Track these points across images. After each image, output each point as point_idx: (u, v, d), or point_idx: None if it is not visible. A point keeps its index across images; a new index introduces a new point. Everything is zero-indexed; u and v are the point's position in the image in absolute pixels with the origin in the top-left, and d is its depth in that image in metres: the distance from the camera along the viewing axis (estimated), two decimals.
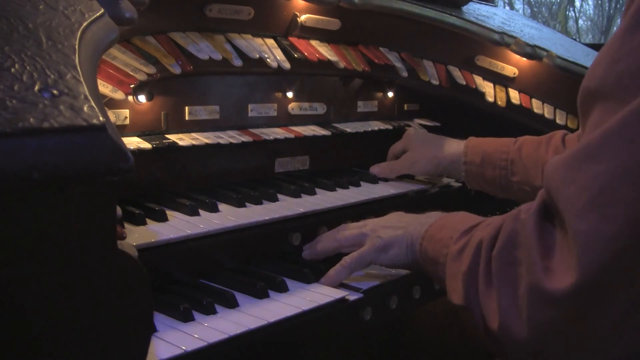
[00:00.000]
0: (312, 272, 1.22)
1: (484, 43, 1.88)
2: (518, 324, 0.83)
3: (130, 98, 1.26)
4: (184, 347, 0.92)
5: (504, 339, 0.86)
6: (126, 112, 1.29)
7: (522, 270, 0.82)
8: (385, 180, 1.66)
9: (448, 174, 1.65)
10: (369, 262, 1.23)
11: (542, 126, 1.88)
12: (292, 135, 1.55)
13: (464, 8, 1.98)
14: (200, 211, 1.24)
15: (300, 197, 1.42)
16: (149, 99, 1.30)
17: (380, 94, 1.90)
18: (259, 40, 1.47)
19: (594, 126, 0.79)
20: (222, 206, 1.29)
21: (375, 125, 1.82)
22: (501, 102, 1.89)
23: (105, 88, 1.15)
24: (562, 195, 0.79)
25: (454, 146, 1.60)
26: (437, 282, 1.13)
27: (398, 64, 1.77)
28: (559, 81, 1.90)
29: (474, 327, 0.94)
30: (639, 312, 0.74)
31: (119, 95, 1.17)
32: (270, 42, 1.50)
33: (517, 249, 0.85)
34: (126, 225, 1.11)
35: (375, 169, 1.65)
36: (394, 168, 1.65)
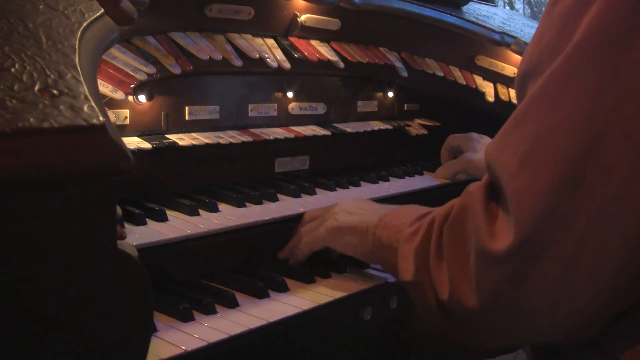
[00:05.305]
0: (312, 272, 1.22)
1: (484, 43, 1.88)
2: (467, 291, 0.84)
3: (130, 98, 1.26)
4: (184, 347, 0.92)
5: (454, 308, 0.87)
6: (126, 112, 1.29)
7: (472, 240, 0.84)
8: (386, 180, 1.66)
9: None
10: (323, 243, 1.23)
11: None
12: (292, 135, 1.55)
13: (464, 8, 1.98)
14: (200, 211, 1.24)
15: (300, 197, 1.42)
16: (149, 99, 1.30)
17: (380, 94, 1.90)
18: (259, 40, 1.47)
19: None
20: (222, 206, 1.29)
21: (375, 125, 1.82)
22: (501, 101, 1.89)
23: (105, 88, 1.15)
24: (497, 163, 0.82)
25: None
26: (387, 269, 1.15)
27: (398, 64, 1.77)
28: None
29: (423, 303, 0.95)
30: (576, 269, 0.75)
31: (119, 95, 1.17)
32: (270, 42, 1.50)
33: (467, 221, 0.86)
34: (126, 225, 1.11)
35: (439, 172, 1.74)
36: (453, 168, 1.72)
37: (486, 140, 1.72)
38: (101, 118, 0.64)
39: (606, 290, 0.77)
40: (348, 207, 1.24)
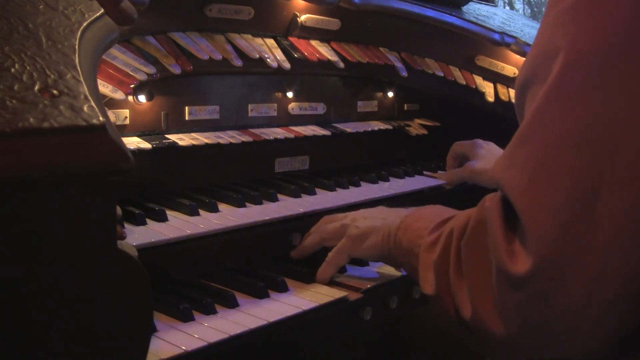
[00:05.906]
0: (312, 272, 1.22)
1: (484, 43, 1.88)
2: (491, 315, 0.81)
3: (130, 98, 1.26)
4: (184, 347, 0.92)
5: (477, 328, 0.84)
6: (126, 112, 1.29)
7: (492, 256, 0.81)
8: (386, 180, 1.66)
9: None
10: (348, 253, 1.22)
11: None
12: (292, 135, 1.55)
13: (464, 8, 1.98)
14: (200, 211, 1.24)
15: (300, 197, 1.42)
16: (149, 99, 1.30)
17: (380, 94, 1.90)
18: (259, 40, 1.47)
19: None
20: (222, 206, 1.29)
21: (375, 125, 1.82)
22: (501, 101, 1.89)
23: (105, 88, 1.15)
24: (506, 182, 0.79)
25: None
26: (409, 273, 1.12)
27: (398, 64, 1.77)
28: None
29: (446, 316, 0.92)
30: (601, 288, 0.72)
31: (119, 95, 1.17)
32: (270, 42, 1.50)
33: (485, 236, 0.83)
34: (126, 225, 1.11)
35: (443, 177, 1.73)
36: (457, 175, 1.71)
37: (491, 147, 1.70)
38: (101, 118, 0.64)
39: (634, 309, 0.73)
40: (368, 214, 1.24)
